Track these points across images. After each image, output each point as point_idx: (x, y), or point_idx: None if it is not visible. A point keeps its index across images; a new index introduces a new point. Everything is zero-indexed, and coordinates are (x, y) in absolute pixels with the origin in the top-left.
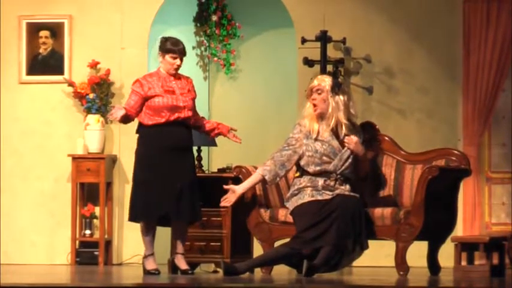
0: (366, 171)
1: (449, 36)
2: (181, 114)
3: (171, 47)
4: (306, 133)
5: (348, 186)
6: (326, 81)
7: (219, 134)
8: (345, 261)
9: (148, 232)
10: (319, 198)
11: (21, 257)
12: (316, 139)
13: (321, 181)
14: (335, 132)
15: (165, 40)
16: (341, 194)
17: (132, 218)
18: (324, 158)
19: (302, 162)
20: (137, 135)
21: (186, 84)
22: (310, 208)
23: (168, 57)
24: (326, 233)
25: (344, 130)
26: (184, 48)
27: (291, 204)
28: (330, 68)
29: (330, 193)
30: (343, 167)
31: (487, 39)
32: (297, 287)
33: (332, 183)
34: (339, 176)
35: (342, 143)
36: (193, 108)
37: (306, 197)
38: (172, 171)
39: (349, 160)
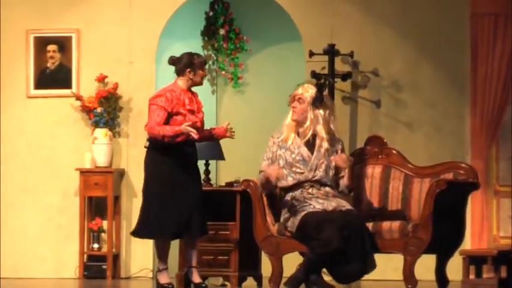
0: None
1: (457, 49)
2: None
3: (202, 60)
4: (279, 143)
5: (327, 189)
6: (309, 92)
7: (218, 137)
8: (350, 272)
9: (163, 246)
10: (310, 210)
11: (29, 271)
12: (288, 148)
13: (298, 193)
14: (309, 143)
15: (191, 56)
16: (338, 208)
17: (139, 234)
18: (294, 168)
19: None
20: (146, 149)
21: (197, 101)
22: (308, 219)
23: (201, 71)
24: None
25: (323, 143)
26: None
27: (291, 228)
28: (338, 81)
29: (316, 202)
30: (317, 176)
31: (494, 52)
32: None
33: (310, 190)
34: (314, 184)
35: (312, 152)
36: (203, 126)
37: (298, 217)
38: (183, 187)
39: (322, 167)
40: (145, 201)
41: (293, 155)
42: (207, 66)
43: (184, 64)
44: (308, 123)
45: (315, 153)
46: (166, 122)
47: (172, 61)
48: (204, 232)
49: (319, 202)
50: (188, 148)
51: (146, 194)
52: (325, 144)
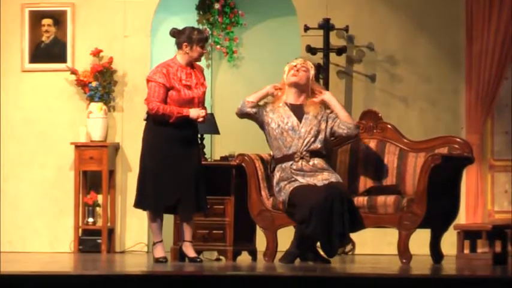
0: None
1: (452, 24)
2: (193, 107)
3: (202, 37)
4: (271, 107)
5: (316, 161)
6: (312, 67)
7: None
8: (330, 247)
9: (156, 219)
10: (295, 185)
11: (24, 245)
12: (279, 114)
13: (287, 166)
14: (298, 112)
15: (191, 30)
16: (324, 182)
17: (140, 205)
18: (284, 135)
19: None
20: (145, 122)
21: (199, 76)
22: (295, 193)
23: (198, 47)
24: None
25: (310, 110)
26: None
27: (283, 203)
28: (333, 56)
29: (302, 178)
30: (306, 143)
31: (490, 27)
32: (299, 274)
33: (299, 163)
34: (304, 154)
35: (301, 120)
36: (203, 101)
37: (283, 193)
38: (180, 162)
39: (312, 133)
40: (141, 173)
41: (282, 123)
42: None
43: (183, 38)
44: (305, 93)
45: (303, 120)
46: (165, 97)
47: (173, 33)
48: (200, 208)
49: (306, 178)
50: (187, 123)
51: (142, 166)
52: (312, 111)
